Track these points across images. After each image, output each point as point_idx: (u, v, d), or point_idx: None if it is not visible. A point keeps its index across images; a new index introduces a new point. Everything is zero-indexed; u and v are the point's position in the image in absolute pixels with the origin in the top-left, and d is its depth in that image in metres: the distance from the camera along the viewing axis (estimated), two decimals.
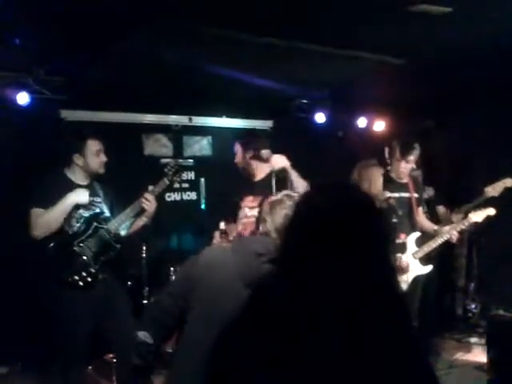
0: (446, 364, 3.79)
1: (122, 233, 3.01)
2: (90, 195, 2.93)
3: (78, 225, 2.84)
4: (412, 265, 3.43)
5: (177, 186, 4.43)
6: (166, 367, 1.66)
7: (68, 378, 2.83)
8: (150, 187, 3.03)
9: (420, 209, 3.61)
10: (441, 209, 4.13)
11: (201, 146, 4.89)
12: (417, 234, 3.49)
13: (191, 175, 4.73)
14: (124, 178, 3.72)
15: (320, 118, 4.91)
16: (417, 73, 3.87)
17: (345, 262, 0.98)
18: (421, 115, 4.97)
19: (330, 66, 3.77)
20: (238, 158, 3.11)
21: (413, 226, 3.49)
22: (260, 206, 2.87)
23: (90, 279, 2.79)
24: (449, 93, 4.33)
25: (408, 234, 3.47)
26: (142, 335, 1.66)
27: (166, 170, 3.04)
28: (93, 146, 2.90)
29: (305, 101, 4.99)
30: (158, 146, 4.64)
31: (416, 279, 3.45)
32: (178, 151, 4.71)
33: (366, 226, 1.03)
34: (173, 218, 4.44)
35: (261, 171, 3.00)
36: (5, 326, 3.41)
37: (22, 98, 3.54)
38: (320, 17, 2.85)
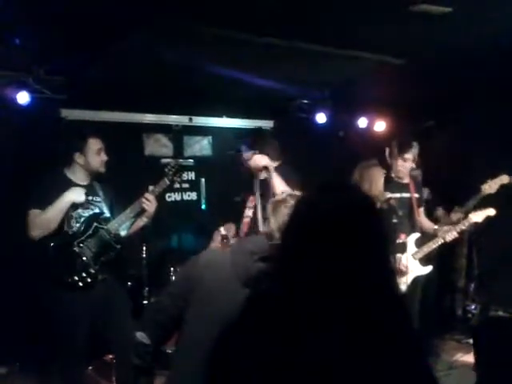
0: (445, 365, 3.79)
1: (122, 233, 3.01)
2: (90, 195, 2.93)
3: (78, 225, 2.84)
4: (412, 265, 3.42)
5: (177, 186, 4.43)
6: (167, 368, 1.66)
7: (67, 378, 2.83)
8: (151, 187, 3.03)
9: (421, 209, 3.61)
10: (439, 211, 4.13)
11: (201, 146, 4.90)
12: (417, 235, 3.49)
13: (191, 175, 4.73)
14: (124, 177, 3.72)
15: (321, 118, 4.91)
16: (417, 73, 3.86)
17: (344, 262, 0.98)
18: (421, 115, 4.98)
19: (330, 66, 3.77)
20: (244, 158, 3.08)
21: (413, 227, 3.49)
22: (255, 206, 2.87)
23: (89, 280, 2.79)
24: (449, 93, 4.32)
25: (408, 234, 3.47)
26: (140, 336, 1.66)
27: (166, 170, 3.04)
28: (94, 144, 2.90)
29: (305, 101, 4.99)
30: (159, 146, 4.64)
31: (416, 280, 3.45)
32: (179, 151, 4.72)
33: (366, 226, 1.03)
34: (173, 218, 4.44)
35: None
36: (4, 326, 3.41)
37: (22, 98, 3.54)
38: (320, 17, 2.85)
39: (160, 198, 3.07)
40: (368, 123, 5.16)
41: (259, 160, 2.76)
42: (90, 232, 2.85)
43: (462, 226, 3.42)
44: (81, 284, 2.78)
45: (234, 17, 2.74)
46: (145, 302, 3.61)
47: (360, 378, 0.91)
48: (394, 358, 0.93)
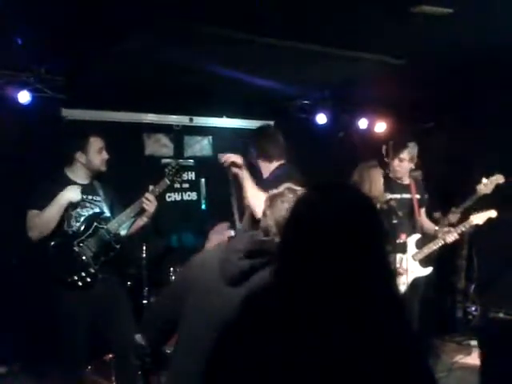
0: (445, 366, 3.78)
1: (122, 233, 3.01)
2: (91, 194, 2.94)
3: (78, 225, 2.84)
4: (412, 266, 3.42)
5: (177, 186, 4.44)
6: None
7: (67, 378, 2.83)
8: (151, 187, 3.03)
9: (422, 210, 3.60)
10: (437, 214, 4.12)
11: (201, 146, 4.90)
12: (417, 236, 3.48)
13: (192, 175, 4.73)
14: (124, 177, 3.73)
15: (321, 118, 4.91)
16: (417, 73, 3.86)
17: (344, 263, 0.98)
18: (421, 115, 4.97)
19: (330, 66, 3.77)
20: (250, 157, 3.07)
21: (413, 227, 3.49)
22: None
23: (89, 279, 2.79)
24: (449, 93, 4.32)
25: (409, 234, 3.46)
26: (138, 338, 1.67)
27: (166, 170, 3.05)
28: (95, 143, 2.91)
29: (305, 101, 5.00)
30: (159, 146, 4.65)
31: (416, 281, 3.45)
32: (179, 151, 4.72)
33: (366, 226, 1.03)
34: (173, 218, 4.44)
35: (266, 170, 2.97)
36: (4, 326, 3.41)
37: (23, 97, 3.55)
38: (320, 17, 2.85)
39: (160, 197, 3.07)
40: (368, 124, 5.16)
41: (227, 157, 2.71)
42: (90, 232, 2.85)
43: (463, 228, 3.42)
44: (80, 284, 2.78)
45: (234, 17, 2.75)
46: (144, 301, 3.61)
47: (360, 379, 0.90)
48: (394, 358, 0.93)
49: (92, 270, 2.81)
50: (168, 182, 3.03)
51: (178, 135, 4.71)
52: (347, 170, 3.47)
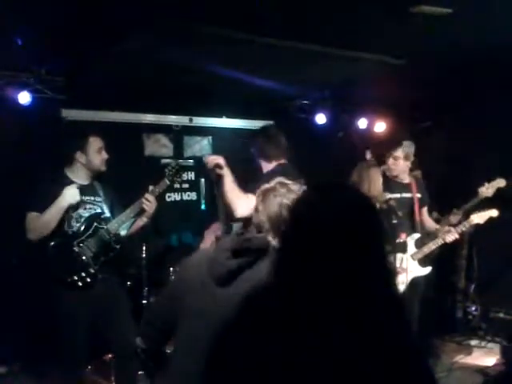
0: (445, 367, 3.78)
1: (122, 233, 3.01)
2: (91, 194, 2.94)
3: (78, 225, 2.84)
4: (410, 266, 3.42)
5: (177, 186, 4.44)
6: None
7: (67, 377, 2.83)
8: (151, 187, 3.03)
9: (424, 209, 3.59)
10: (434, 215, 4.12)
11: (201, 147, 4.90)
12: (417, 235, 3.48)
13: (191, 175, 4.73)
14: (124, 178, 3.73)
15: (320, 118, 4.91)
16: (417, 73, 3.86)
17: (344, 262, 0.98)
18: (421, 115, 4.97)
19: (330, 66, 3.77)
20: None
21: (413, 227, 3.49)
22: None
23: (89, 279, 2.79)
24: (448, 93, 4.33)
25: (409, 234, 3.46)
26: (138, 340, 1.67)
27: (166, 170, 3.05)
28: (95, 142, 2.91)
29: (305, 101, 4.99)
30: (159, 147, 4.65)
31: (415, 281, 3.44)
32: (179, 151, 4.72)
33: (365, 226, 1.03)
34: (173, 218, 4.44)
35: (266, 170, 2.97)
36: (4, 326, 3.41)
37: (24, 98, 3.55)
38: (320, 17, 2.85)
39: (160, 198, 3.07)
40: (368, 124, 5.16)
41: (211, 159, 2.72)
42: (90, 232, 2.86)
43: (463, 228, 3.42)
44: (80, 284, 2.78)
45: (234, 17, 2.75)
46: (144, 301, 3.61)
47: (360, 379, 0.91)
48: (394, 358, 0.93)
49: (92, 270, 2.81)
50: (168, 183, 3.03)
51: (177, 135, 4.72)
52: (347, 170, 3.47)
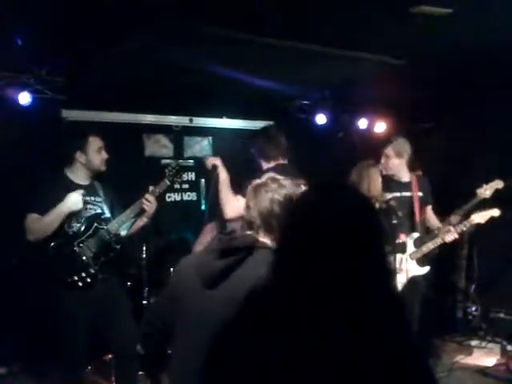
0: (446, 367, 3.78)
1: (122, 233, 3.01)
2: (91, 195, 2.94)
3: (78, 225, 2.84)
4: (408, 265, 3.41)
5: (177, 186, 4.44)
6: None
7: (67, 378, 2.83)
8: (151, 188, 3.04)
9: (429, 207, 3.57)
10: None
11: (201, 147, 4.90)
12: (416, 235, 3.48)
13: (192, 176, 4.73)
14: (124, 178, 3.73)
15: (321, 119, 4.91)
16: (417, 73, 3.86)
17: (344, 262, 0.98)
18: (421, 115, 4.97)
19: (330, 66, 3.77)
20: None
21: (413, 227, 3.48)
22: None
23: (89, 280, 2.79)
24: (448, 93, 4.33)
25: (408, 234, 3.46)
26: (139, 347, 1.66)
27: (166, 170, 3.05)
28: (94, 142, 2.92)
29: (305, 101, 4.99)
30: (159, 147, 4.65)
31: (414, 280, 3.43)
32: (179, 152, 4.72)
33: (365, 225, 1.03)
34: (173, 219, 4.44)
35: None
36: (4, 327, 3.41)
37: (24, 98, 3.55)
38: (320, 17, 2.85)
39: (160, 198, 3.08)
40: (368, 124, 5.16)
41: (210, 160, 2.78)
42: (90, 232, 2.86)
43: (463, 227, 3.41)
44: (80, 284, 2.78)
45: (234, 17, 2.75)
46: (145, 301, 3.61)
47: (360, 379, 0.91)
48: (394, 358, 0.93)
49: (92, 271, 2.81)
50: (168, 183, 3.03)
51: (177, 136, 4.72)
52: (347, 170, 3.47)
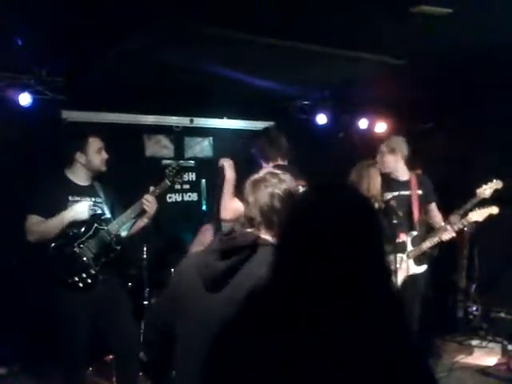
0: (446, 366, 3.78)
1: (123, 234, 3.01)
2: (91, 195, 2.94)
3: (79, 226, 2.84)
4: (405, 264, 3.41)
5: (178, 186, 4.44)
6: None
7: (68, 378, 2.83)
8: (151, 188, 3.04)
9: (432, 204, 3.56)
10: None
11: (202, 147, 4.90)
12: (414, 233, 3.47)
13: (192, 176, 4.74)
14: (125, 178, 3.73)
15: (321, 119, 4.91)
16: (417, 73, 3.87)
17: (344, 262, 0.97)
18: (421, 115, 4.97)
19: (330, 67, 3.77)
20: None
21: (411, 226, 3.48)
22: None
23: (89, 280, 2.79)
24: (448, 93, 4.33)
25: (408, 233, 3.46)
26: (141, 355, 1.65)
27: (167, 171, 3.05)
28: (94, 143, 2.92)
29: (306, 102, 5.00)
30: (160, 148, 4.65)
31: (413, 279, 3.43)
32: (180, 152, 4.73)
33: (365, 225, 1.03)
34: (174, 219, 4.45)
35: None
36: (4, 327, 3.41)
37: (24, 99, 3.56)
38: (320, 17, 2.85)
39: (161, 198, 3.08)
40: (368, 124, 5.16)
41: (221, 160, 2.81)
42: (91, 233, 2.86)
43: (461, 225, 3.41)
44: (81, 285, 2.78)
45: (234, 17, 2.75)
46: (145, 302, 3.61)
47: (360, 379, 0.90)
48: (394, 358, 0.93)
49: (92, 271, 2.81)
50: (168, 183, 3.04)
51: (178, 136, 4.72)
52: (347, 170, 3.47)
